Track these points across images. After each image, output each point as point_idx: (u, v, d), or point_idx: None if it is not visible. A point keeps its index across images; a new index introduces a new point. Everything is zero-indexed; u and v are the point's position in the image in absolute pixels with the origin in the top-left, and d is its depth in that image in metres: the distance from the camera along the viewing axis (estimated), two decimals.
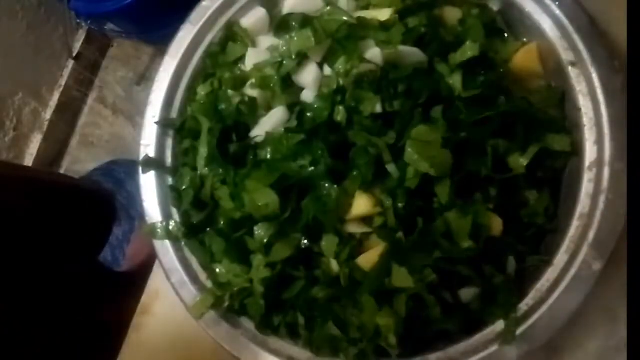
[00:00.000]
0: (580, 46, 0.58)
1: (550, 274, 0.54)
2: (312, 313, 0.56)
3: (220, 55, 0.67)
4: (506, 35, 0.64)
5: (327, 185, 0.55)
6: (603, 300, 0.59)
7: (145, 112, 0.67)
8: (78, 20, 1.38)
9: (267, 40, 0.66)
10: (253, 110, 0.62)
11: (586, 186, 0.56)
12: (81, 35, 1.67)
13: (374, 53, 0.58)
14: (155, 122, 0.66)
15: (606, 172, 0.55)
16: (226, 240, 0.58)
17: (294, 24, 0.63)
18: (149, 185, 0.65)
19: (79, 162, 1.66)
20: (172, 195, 0.64)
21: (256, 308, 0.58)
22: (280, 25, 0.65)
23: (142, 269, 1.24)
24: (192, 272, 0.62)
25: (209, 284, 0.61)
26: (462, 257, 0.53)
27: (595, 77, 0.57)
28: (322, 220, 0.54)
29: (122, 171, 1.44)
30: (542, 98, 0.60)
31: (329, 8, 0.63)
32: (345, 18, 0.60)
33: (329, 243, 0.55)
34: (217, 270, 0.60)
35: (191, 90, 0.67)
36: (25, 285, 0.88)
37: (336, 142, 0.56)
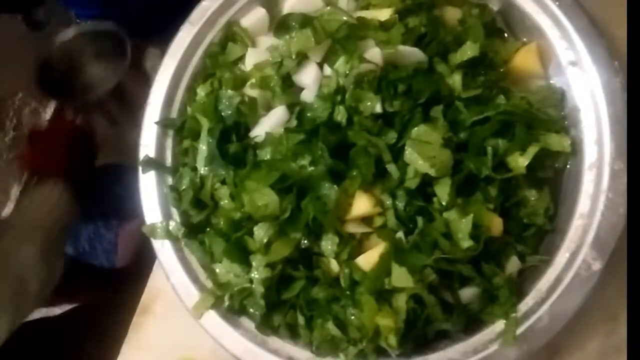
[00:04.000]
0: (580, 46, 0.58)
1: (550, 274, 0.55)
2: (312, 313, 0.56)
3: (220, 55, 0.67)
4: (506, 35, 0.65)
5: (327, 185, 0.55)
6: (603, 300, 0.59)
7: (145, 112, 0.67)
8: (78, 21, 1.38)
9: (267, 40, 0.66)
10: (253, 110, 0.62)
11: (586, 186, 0.56)
12: None
13: (373, 53, 0.59)
14: (155, 122, 0.66)
15: (606, 172, 0.55)
16: (226, 240, 0.58)
17: (294, 24, 0.63)
18: (149, 185, 0.65)
19: None
20: (171, 195, 0.64)
21: (256, 308, 0.58)
22: (280, 25, 0.65)
23: (136, 262, 1.25)
24: (192, 272, 0.62)
25: (209, 284, 0.61)
26: (462, 257, 0.53)
27: (595, 77, 0.57)
28: (322, 220, 0.54)
29: (108, 176, 1.44)
30: (542, 98, 0.60)
31: (328, 8, 0.63)
32: (345, 18, 0.60)
33: (329, 243, 0.55)
34: (217, 270, 0.60)
35: (191, 90, 0.67)
36: None
37: (336, 142, 0.56)
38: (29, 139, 1.04)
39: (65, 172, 0.95)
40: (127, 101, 1.25)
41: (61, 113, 1.19)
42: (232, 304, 0.59)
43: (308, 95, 0.60)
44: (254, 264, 0.56)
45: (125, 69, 1.21)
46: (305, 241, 0.56)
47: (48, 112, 1.64)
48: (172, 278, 0.62)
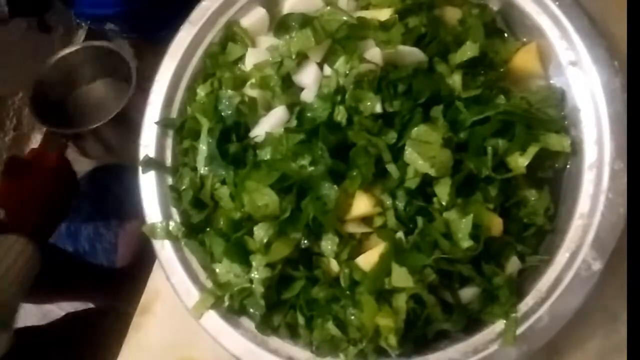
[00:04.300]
0: (580, 46, 0.58)
1: (550, 274, 0.55)
2: (312, 313, 0.56)
3: (220, 55, 0.67)
4: (506, 35, 0.65)
5: (327, 185, 0.55)
6: (603, 300, 0.59)
7: (145, 112, 0.67)
8: (78, 21, 1.38)
9: (267, 40, 0.66)
10: (253, 110, 0.62)
11: (586, 186, 0.56)
12: (81, 35, 1.66)
13: (373, 53, 0.59)
14: (155, 122, 0.66)
15: (606, 172, 0.55)
16: (226, 240, 0.58)
17: (294, 24, 0.63)
18: (149, 185, 0.65)
19: (79, 162, 1.65)
20: (171, 195, 0.64)
21: (256, 308, 0.58)
22: (280, 25, 0.65)
23: (136, 262, 1.25)
24: (192, 272, 0.62)
25: (209, 284, 0.61)
26: (462, 257, 0.53)
27: (595, 77, 0.57)
28: (322, 220, 0.54)
29: (108, 176, 1.44)
30: (542, 98, 0.60)
31: (328, 8, 0.63)
32: (345, 18, 0.60)
33: (329, 243, 0.55)
34: (217, 270, 0.60)
35: (191, 90, 0.67)
36: None
37: (336, 142, 0.56)
38: (5, 169, 0.91)
39: (32, 227, 0.84)
40: (128, 127, 1.14)
41: (48, 145, 1.09)
42: (232, 304, 0.59)
43: (308, 95, 0.60)
44: (254, 264, 0.56)
45: (129, 96, 1.13)
46: (305, 241, 0.56)
47: None
48: (172, 278, 0.62)
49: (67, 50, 1.25)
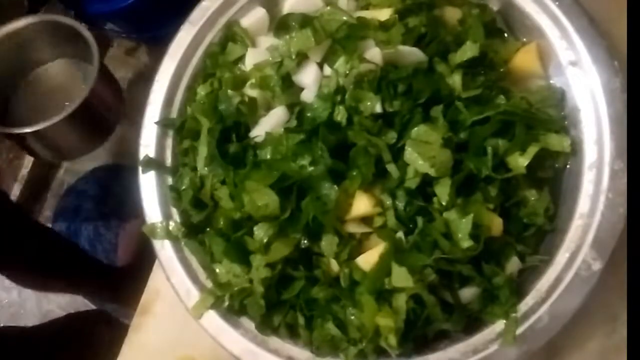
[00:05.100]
0: (580, 46, 0.58)
1: (550, 274, 0.55)
2: (312, 313, 0.56)
3: (220, 55, 0.67)
4: (506, 35, 0.65)
5: (327, 185, 0.55)
6: (603, 300, 0.59)
7: (145, 112, 0.67)
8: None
9: (267, 40, 0.66)
10: (253, 110, 0.62)
11: (586, 186, 0.56)
12: None
13: (373, 53, 0.59)
14: (155, 122, 0.66)
15: (606, 172, 0.55)
16: (226, 240, 0.58)
17: (293, 24, 0.63)
18: (149, 185, 0.65)
19: (79, 162, 1.66)
20: (171, 195, 0.64)
21: (256, 308, 0.58)
22: (280, 25, 0.65)
23: (135, 261, 1.25)
24: (192, 272, 0.62)
25: (209, 284, 0.61)
26: (462, 257, 0.53)
27: (595, 76, 0.57)
28: (322, 220, 0.54)
29: (107, 176, 1.44)
30: (542, 98, 0.60)
31: (328, 8, 0.63)
32: (345, 18, 0.60)
33: (328, 243, 0.55)
34: (217, 270, 0.60)
35: (191, 90, 0.67)
36: None
37: (336, 142, 0.56)
38: None
39: None
40: (93, 123, 0.96)
41: None
42: (232, 304, 0.59)
43: (308, 95, 0.60)
44: (254, 264, 0.56)
45: (92, 82, 0.94)
46: (305, 241, 0.56)
47: None
48: (172, 278, 0.62)
49: (13, 26, 1.00)
